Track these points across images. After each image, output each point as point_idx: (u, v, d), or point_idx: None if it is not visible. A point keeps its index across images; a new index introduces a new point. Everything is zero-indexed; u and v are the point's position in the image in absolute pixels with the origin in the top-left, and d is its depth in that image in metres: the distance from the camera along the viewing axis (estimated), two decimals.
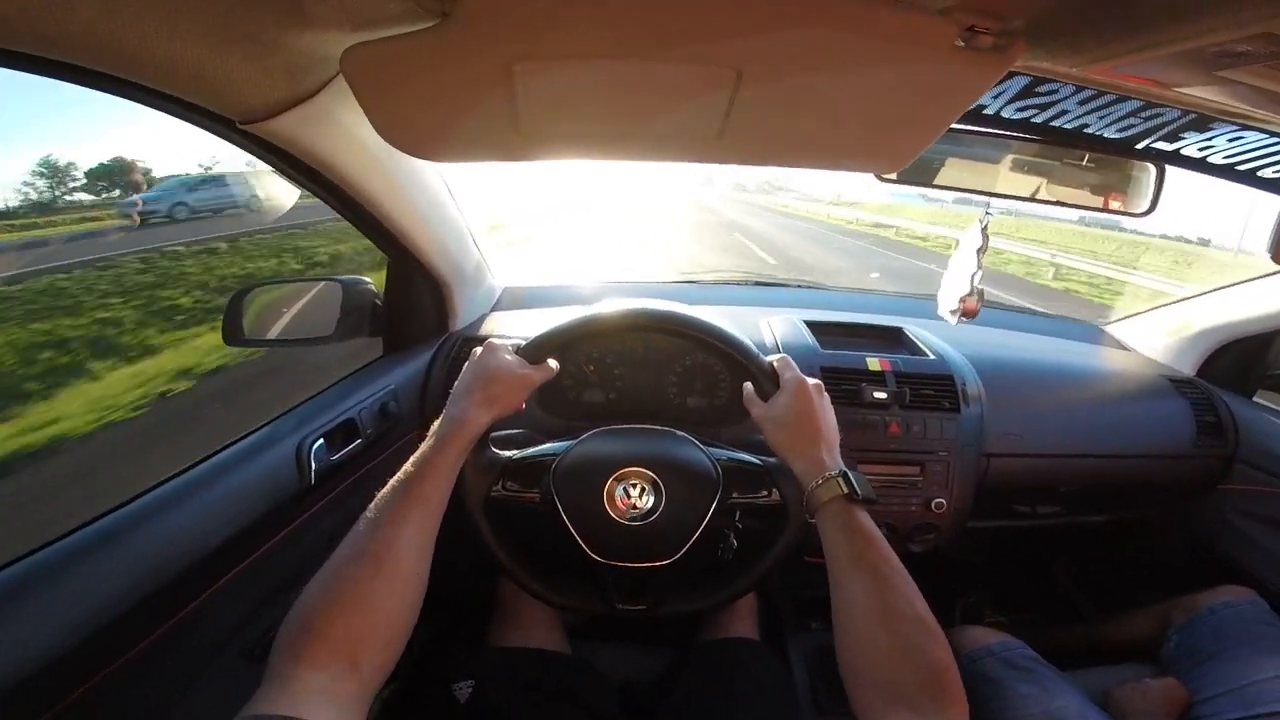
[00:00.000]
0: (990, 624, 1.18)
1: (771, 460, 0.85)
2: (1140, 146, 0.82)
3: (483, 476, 0.81)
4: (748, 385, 0.85)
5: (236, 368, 4.05)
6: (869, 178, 0.84)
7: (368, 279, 1.20)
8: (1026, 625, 1.21)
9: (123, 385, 3.82)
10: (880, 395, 1.16)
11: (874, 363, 1.21)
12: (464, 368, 0.81)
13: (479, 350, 0.82)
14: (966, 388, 1.21)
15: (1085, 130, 0.79)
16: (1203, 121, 0.71)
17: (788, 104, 0.59)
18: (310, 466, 0.89)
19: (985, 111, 0.76)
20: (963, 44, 0.51)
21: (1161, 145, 0.80)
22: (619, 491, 0.81)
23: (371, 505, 0.64)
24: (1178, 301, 1.55)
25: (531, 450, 0.86)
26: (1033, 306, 2.74)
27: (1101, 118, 0.74)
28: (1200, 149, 0.80)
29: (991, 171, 0.96)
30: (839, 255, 12.93)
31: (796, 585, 1.41)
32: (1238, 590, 1.12)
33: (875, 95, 0.58)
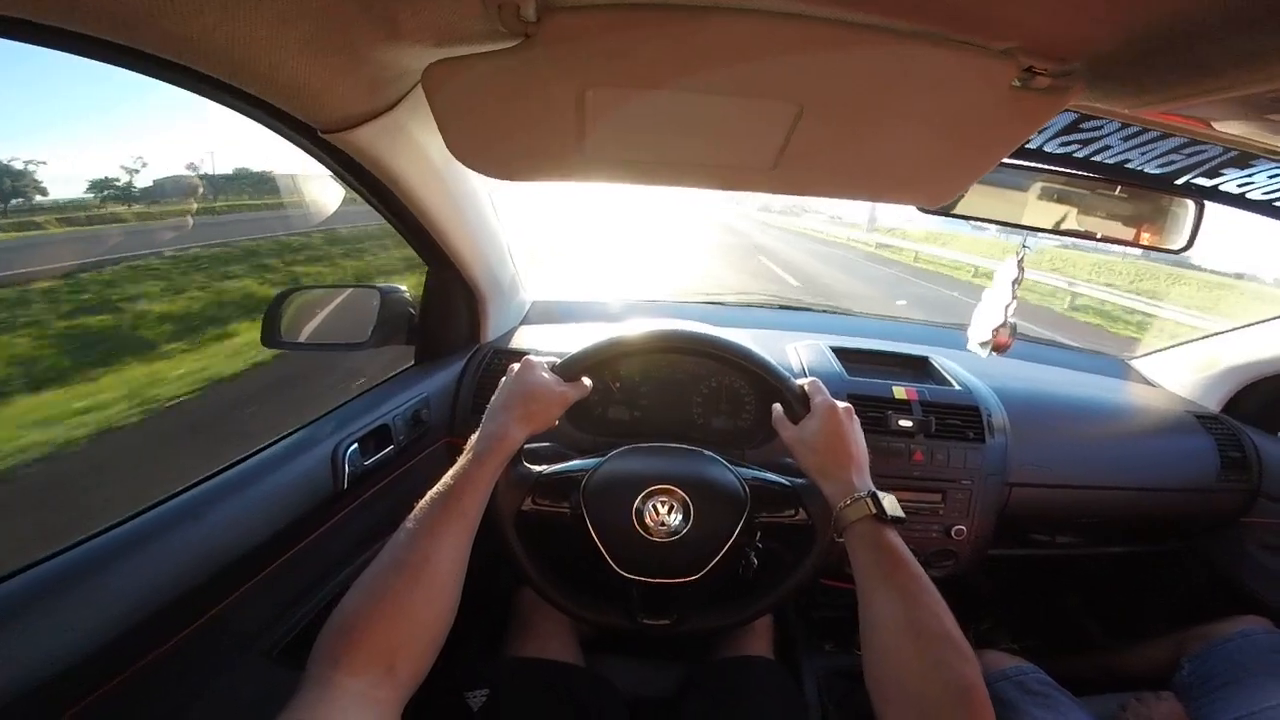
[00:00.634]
0: (1004, 650, 1.18)
1: (799, 481, 0.87)
2: (1180, 182, 0.83)
3: (515, 491, 0.82)
4: (777, 407, 0.87)
5: None
6: None
7: (403, 287, 1.22)
8: (1040, 652, 1.20)
9: None
10: (905, 423, 1.17)
11: (900, 391, 1.22)
12: (501, 383, 0.83)
13: (516, 366, 0.84)
14: (992, 418, 1.22)
15: (1126, 165, 0.80)
16: (1244, 158, 0.72)
17: (844, 138, 0.61)
18: (344, 470, 0.90)
19: (1028, 145, 0.77)
20: (1020, 84, 0.53)
21: (1201, 181, 0.81)
22: (649, 508, 0.81)
23: (410, 516, 0.66)
24: (1205, 337, 1.55)
25: (562, 466, 0.87)
26: (1059, 339, 2.73)
27: (1144, 154, 0.76)
28: (1240, 185, 0.81)
29: (1020, 200, 0.97)
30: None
31: (812, 607, 1.40)
32: (1254, 620, 1.12)
33: (929, 131, 0.60)
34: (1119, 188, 0.92)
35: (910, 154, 0.64)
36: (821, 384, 0.87)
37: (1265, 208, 0.85)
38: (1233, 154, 0.71)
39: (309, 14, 0.50)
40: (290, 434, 0.91)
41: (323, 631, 0.55)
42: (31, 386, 3.52)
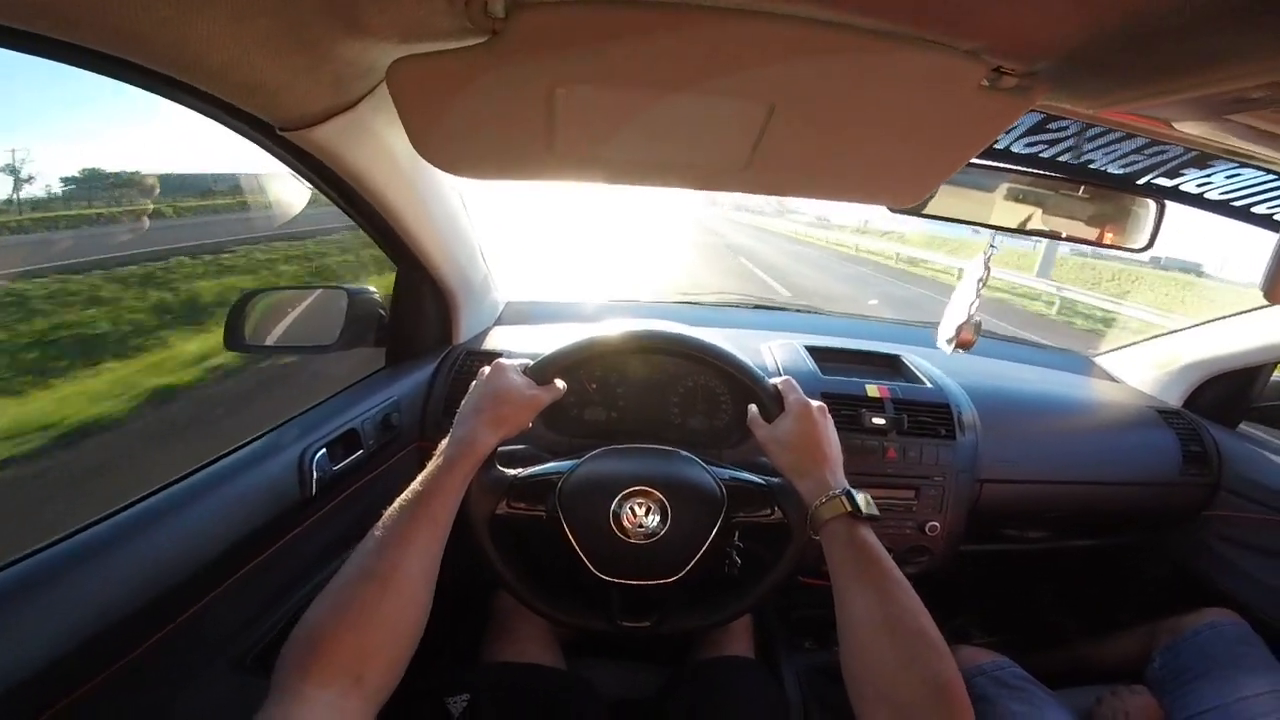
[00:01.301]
0: (979, 644, 1.20)
1: (774, 480, 0.87)
2: (1141, 182, 0.85)
3: (489, 495, 0.81)
4: (752, 407, 0.87)
5: None
6: None
7: (373, 288, 1.20)
8: (1014, 646, 1.23)
9: None
10: (879, 421, 1.18)
11: (873, 389, 1.23)
12: (472, 386, 0.82)
13: (487, 370, 0.83)
14: (962, 415, 1.24)
15: (1090, 165, 0.82)
16: (1203, 159, 0.74)
17: (814, 138, 0.61)
18: (312, 476, 0.89)
19: (995, 146, 0.79)
20: (988, 84, 0.53)
21: (1162, 181, 0.84)
22: (625, 510, 0.81)
23: (379, 524, 0.64)
24: (1167, 334, 1.60)
25: (537, 469, 0.86)
26: (1027, 336, 2.78)
27: (1106, 154, 0.77)
28: (1199, 185, 0.83)
29: (987, 201, 0.98)
30: None
31: (791, 606, 1.41)
32: (1220, 612, 1.14)
33: (900, 131, 0.60)
34: (1083, 188, 0.94)
35: (880, 154, 0.65)
36: (795, 383, 0.87)
37: (1222, 207, 0.87)
38: (1192, 154, 0.73)
39: (266, 10, 0.49)
40: (256, 439, 0.90)
41: (289, 641, 0.55)
42: None
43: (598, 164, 0.67)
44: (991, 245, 1.05)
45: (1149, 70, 0.47)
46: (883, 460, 1.17)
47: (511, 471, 0.84)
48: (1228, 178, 0.78)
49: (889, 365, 1.41)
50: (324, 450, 0.92)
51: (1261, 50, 0.40)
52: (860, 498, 0.71)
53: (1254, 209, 0.86)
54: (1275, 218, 0.87)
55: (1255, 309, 1.33)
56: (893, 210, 0.89)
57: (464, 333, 1.32)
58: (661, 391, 1.23)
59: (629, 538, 0.80)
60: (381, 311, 1.21)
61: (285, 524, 0.86)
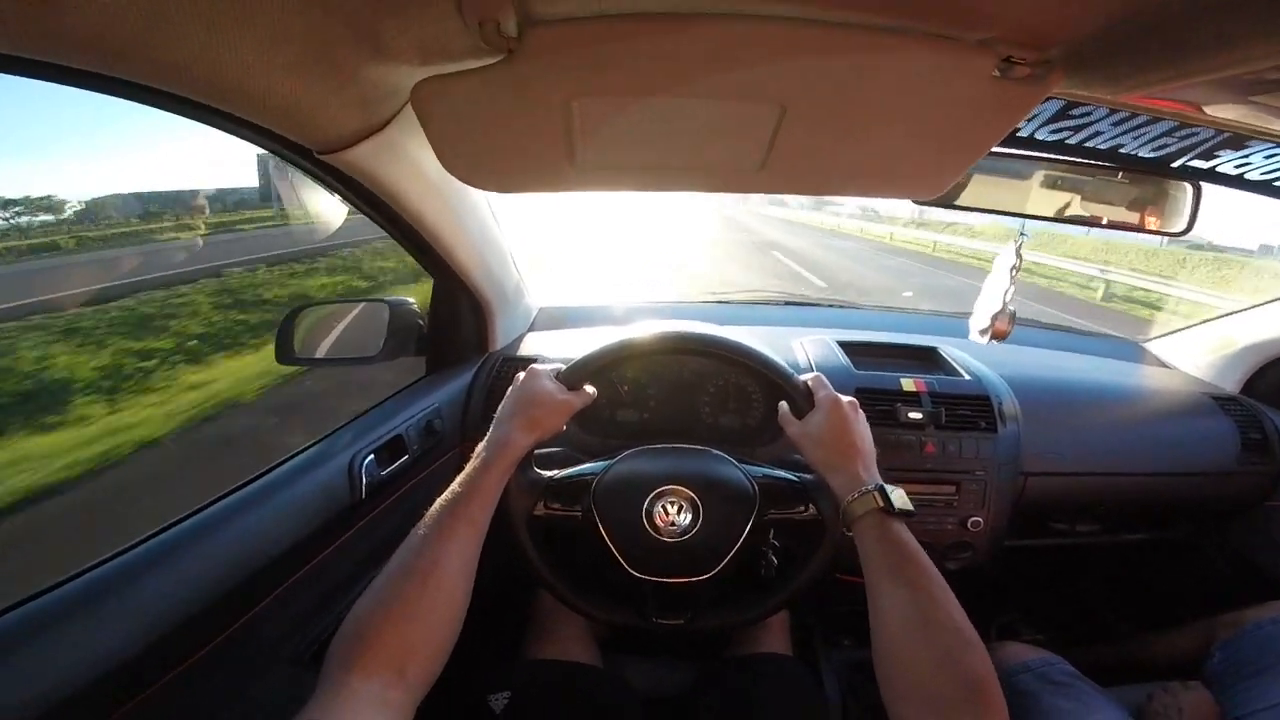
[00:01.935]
0: (1027, 641, 1.17)
1: (807, 477, 0.87)
2: (1176, 165, 0.82)
3: (526, 496, 0.84)
4: (783, 404, 0.87)
5: None
6: None
7: (412, 300, 1.24)
8: (1062, 643, 1.19)
9: None
10: (915, 415, 1.17)
11: (909, 383, 1.22)
12: (508, 391, 0.85)
13: (521, 375, 0.86)
14: (1003, 407, 1.21)
15: (1120, 150, 0.80)
16: (1238, 140, 0.72)
17: (829, 135, 0.62)
18: (362, 481, 0.92)
19: (1019, 134, 0.77)
20: (999, 74, 0.53)
21: (1197, 163, 0.81)
22: (658, 509, 0.82)
23: (420, 523, 0.67)
24: (1220, 317, 1.53)
25: (572, 470, 0.88)
26: (1071, 323, 2.68)
27: (1136, 138, 0.75)
28: (1237, 166, 0.80)
29: (1023, 189, 0.96)
30: None
31: (829, 602, 1.40)
32: None
33: (913, 125, 0.61)
34: (1120, 173, 0.92)
35: (895, 148, 0.65)
36: (825, 378, 0.87)
37: (1265, 187, 0.84)
38: (1225, 136, 0.71)
39: (294, 37, 0.51)
40: (308, 447, 0.94)
41: (336, 636, 0.57)
42: None
43: (619, 173, 0.68)
44: (1022, 233, 1.03)
45: (1162, 55, 0.47)
46: (921, 455, 1.16)
47: (547, 473, 0.87)
48: (1267, 157, 0.75)
49: (925, 358, 1.39)
50: (372, 456, 0.96)
51: (1271, 32, 0.40)
52: (894, 493, 0.71)
53: None
54: None
55: None
56: (917, 203, 0.89)
57: (499, 339, 1.35)
58: (692, 391, 1.24)
59: (662, 536, 0.82)
60: (420, 322, 1.25)
61: (337, 527, 0.90)
